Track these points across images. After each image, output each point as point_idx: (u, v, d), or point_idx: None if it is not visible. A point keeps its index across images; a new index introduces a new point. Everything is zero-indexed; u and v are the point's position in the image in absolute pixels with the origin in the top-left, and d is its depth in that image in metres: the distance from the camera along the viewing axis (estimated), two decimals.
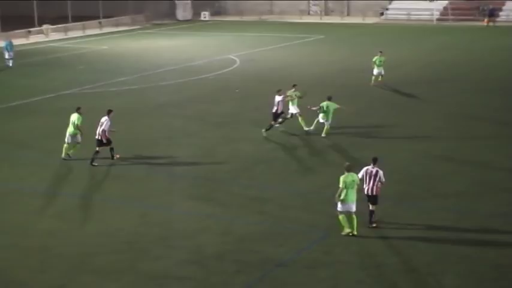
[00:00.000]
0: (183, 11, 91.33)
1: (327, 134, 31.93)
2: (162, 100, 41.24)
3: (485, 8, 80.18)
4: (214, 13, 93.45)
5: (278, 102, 32.19)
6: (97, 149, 28.84)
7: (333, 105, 31.91)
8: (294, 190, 25.33)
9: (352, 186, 21.09)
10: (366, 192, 21.79)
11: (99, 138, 28.73)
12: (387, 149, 29.43)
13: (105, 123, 28.61)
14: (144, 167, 28.76)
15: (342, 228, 21.33)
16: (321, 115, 32.03)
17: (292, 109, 32.95)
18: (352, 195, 21.11)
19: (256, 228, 22.15)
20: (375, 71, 43.69)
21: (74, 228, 22.44)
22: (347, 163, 22.01)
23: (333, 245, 20.80)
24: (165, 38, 73.46)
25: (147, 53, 61.69)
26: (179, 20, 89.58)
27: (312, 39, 69.60)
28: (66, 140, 29.40)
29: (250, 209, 23.82)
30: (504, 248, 20.36)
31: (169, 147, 31.26)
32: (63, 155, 29.58)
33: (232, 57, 57.35)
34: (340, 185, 21.09)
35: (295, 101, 32.90)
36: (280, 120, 32.70)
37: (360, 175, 21.68)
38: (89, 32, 78.52)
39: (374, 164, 21.83)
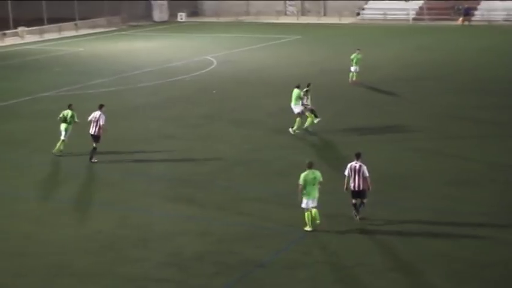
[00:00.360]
0: (159, 13, 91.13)
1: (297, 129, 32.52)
2: (140, 102, 41.17)
3: (461, 7, 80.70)
4: (190, 14, 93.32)
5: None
6: (94, 145, 29.11)
7: (296, 93, 32.43)
8: (272, 191, 25.38)
9: (313, 183, 21.33)
10: (352, 188, 22.01)
11: (95, 133, 28.94)
12: (367, 148, 29.37)
13: (100, 118, 28.90)
14: (122, 169, 28.69)
15: (304, 224, 21.60)
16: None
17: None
18: (314, 192, 21.35)
19: (235, 229, 22.18)
20: (352, 68, 44.20)
21: (52, 232, 22.35)
22: (308, 160, 22.12)
23: (312, 245, 20.88)
24: (141, 39, 73.27)
25: (124, 55, 61.53)
26: (155, 22, 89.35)
27: (289, 39, 69.71)
28: (62, 136, 29.86)
29: (229, 210, 23.84)
30: (482, 246, 20.51)
31: (148, 149, 31.20)
32: (55, 150, 29.95)
33: (210, 58, 57.32)
34: (300, 182, 21.35)
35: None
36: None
37: (345, 172, 22.03)
38: (64, 34, 78.16)
39: (357, 159, 22.08)
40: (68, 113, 29.83)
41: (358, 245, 20.76)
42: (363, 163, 22.07)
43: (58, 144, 29.96)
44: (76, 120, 29.84)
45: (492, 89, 42.28)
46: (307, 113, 32.76)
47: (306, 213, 21.55)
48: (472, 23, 78.21)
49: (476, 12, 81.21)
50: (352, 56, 44.34)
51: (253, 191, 25.53)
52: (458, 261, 19.54)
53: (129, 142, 32.07)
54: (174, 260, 20.11)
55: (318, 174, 21.52)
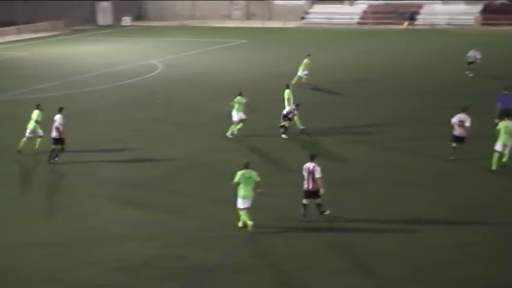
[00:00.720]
0: (103, 16, 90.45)
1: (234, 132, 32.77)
2: (87, 106, 40.77)
3: (407, 11, 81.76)
4: (135, 18, 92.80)
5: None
6: (53, 147, 29.32)
7: (241, 100, 32.67)
8: (219, 194, 25.34)
9: (248, 183, 21.59)
10: (305, 188, 22.29)
11: (55, 136, 29.21)
12: (315, 150, 29.59)
13: (57, 120, 29.30)
14: (69, 173, 28.43)
15: (238, 221, 21.92)
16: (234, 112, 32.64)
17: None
18: (248, 191, 21.59)
19: (183, 233, 22.10)
20: (299, 72, 44.57)
21: None
22: (245, 160, 22.37)
23: (259, 248, 20.95)
24: (86, 43, 72.58)
25: (68, 59, 60.85)
26: (100, 26, 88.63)
27: (235, 43, 69.77)
28: (26, 134, 30.37)
29: (177, 214, 23.76)
30: (429, 247, 20.77)
31: (94, 154, 30.92)
32: (20, 147, 30.36)
33: (155, 62, 57.06)
34: (235, 180, 21.64)
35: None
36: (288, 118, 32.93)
37: (303, 172, 22.36)
38: (7, 38, 76.96)
39: (312, 161, 22.40)
40: (35, 113, 30.28)
41: (305, 247, 20.86)
42: (318, 164, 22.32)
43: (21, 142, 30.37)
44: (39, 119, 30.25)
45: (436, 90, 42.92)
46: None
47: (241, 212, 21.85)
48: (416, 27, 79.30)
49: (419, 16, 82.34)
50: (304, 61, 44.98)
51: (200, 195, 25.48)
52: (406, 262, 19.77)
53: (76, 146, 31.64)
54: (121, 265, 19.96)
55: (254, 174, 21.79)
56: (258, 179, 21.80)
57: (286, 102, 34.39)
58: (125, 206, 24.65)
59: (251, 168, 22.00)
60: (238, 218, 22.01)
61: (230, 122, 32.91)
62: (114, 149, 31.58)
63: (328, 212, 22.47)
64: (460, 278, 18.92)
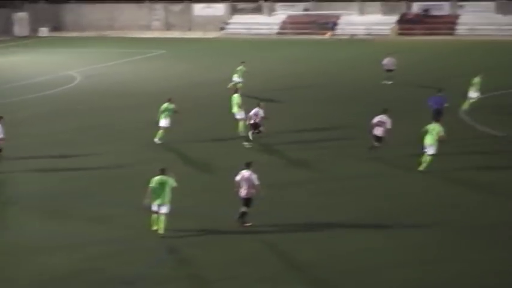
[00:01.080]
0: (19, 27, 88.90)
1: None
2: (5, 118, 39.73)
3: (328, 21, 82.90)
4: (53, 29, 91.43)
5: (257, 114, 32.31)
6: None
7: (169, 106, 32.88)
8: (140, 206, 25.02)
9: (164, 189, 21.87)
10: (242, 196, 22.44)
11: None
12: (240, 159, 29.64)
13: None
14: None
15: (151, 225, 22.10)
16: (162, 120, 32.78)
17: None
18: (164, 197, 21.85)
19: (106, 245, 21.80)
20: (235, 78, 45.01)
21: None
22: (161, 167, 22.47)
23: (181, 259, 20.82)
24: (1, 55, 71.09)
25: None
26: (16, 36, 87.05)
27: (155, 54, 69.44)
28: None
29: (99, 225, 23.42)
30: (350, 254, 20.94)
31: (15, 166, 30.19)
32: None
33: (73, 73, 56.24)
34: (150, 185, 21.92)
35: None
36: (257, 131, 32.61)
37: (237, 178, 22.48)
38: None
39: (248, 168, 22.59)
40: None
41: (227, 257, 20.79)
42: (254, 172, 22.50)
43: None
44: None
45: (354, 97, 43.64)
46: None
47: (153, 216, 22.09)
48: (334, 37, 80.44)
49: (337, 27, 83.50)
50: (239, 68, 45.44)
51: (122, 205, 25.18)
52: (328, 268, 19.90)
53: None
54: (43, 278, 19.55)
55: (169, 180, 22.01)
56: (174, 184, 22.02)
57: (235, 108, 34.11)
58: (47, 218, 24.19)
59: (169, 175, 22.10)
60: (154, 222, 22.11)
61: (156, 129, 32.74)
62: (36, 161, 30.97)
63: (250, 224, 22.50)
64: (384, 283, 19.12)
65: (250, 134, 32.66)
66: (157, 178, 22.00)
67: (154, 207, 22.05)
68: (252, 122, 32.38)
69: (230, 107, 34.59)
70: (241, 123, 33.65)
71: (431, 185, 27.02)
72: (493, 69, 42.12)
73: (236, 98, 34.45)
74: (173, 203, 21.97)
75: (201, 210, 23.57)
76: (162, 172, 22.18)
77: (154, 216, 22.12)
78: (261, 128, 32.58)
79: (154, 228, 22.09)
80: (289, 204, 25.04)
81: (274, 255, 20.90)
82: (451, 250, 21.10)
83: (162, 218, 21.89)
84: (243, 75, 45.33)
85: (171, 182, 21.99)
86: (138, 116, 39.08)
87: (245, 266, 20.18)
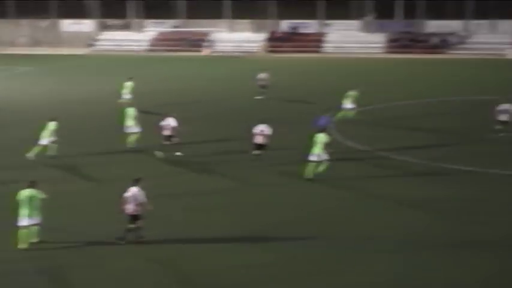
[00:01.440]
0: None
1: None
2: None
3: (202, 38, 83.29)
4: None
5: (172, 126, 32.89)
6: None
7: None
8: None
9: (32, 201, 21.73)
10: (127, 211, 22.13)
11: None
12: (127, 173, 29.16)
13: None
14: None
15: (18, 243, 21.73)
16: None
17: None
18: (32, 210, 21.68)
19: None
20: (124, 95, 44.84)
21: None
22: (30, 180, 22.28)
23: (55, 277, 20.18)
24: None
25: None
26: None
27: (20, 71, 67.40)
28: None
29: None
30: (225, 270, 20.87)
31: None
32: None
33: None
34: (17, 198, 21.81)
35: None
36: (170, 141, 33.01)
37: (126, 194, 22.11)
38: None
39: (136, 184, 22.32)
40: None
41: (98, 276, 20.38)
42: (142, 188, 22.27)
43: None
44: None
45: (228, 113, 44.12)
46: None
47: (21, 231, 21.70)
48: (212, 54, 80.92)
49: (204, 44, 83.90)
50: (127, 84, 45.24)
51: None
52: (206, 286, 19.76)
53: None
54: None
55: (36, 193, 21.83)
56: (42, 196, 21.95)
57: (130, 121, 34.59)
58: None
59: (37, 188, 21.97)
60: (21, 238, 21.66)
61: (30, 146, 32.07)
62: None
63: (144, 238, 22.33)
64: None
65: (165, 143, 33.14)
66: (24, 191, 21.84)
67: (23, 222, 21.64)
68: (166, 133, 32.96)
69: (120, 121, 34.59)
70: (132, 136, 34.16)
71: (314, 195, 27.47)
72: (356, 85, 43.34)
73: (131, 111, 34.96)
74: (53, 219, 21.38)
75: (79, 227, 22.89)
76: (30, 185, 21.98)
77: (22, 231, 21.69)
78: (174, 139, 33.05)
79: (22, 246, 21.60)
80: (165, 219, 24.66)
81: (150, 271, 20.56)
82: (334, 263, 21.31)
83: (34, 228, 21.74)
84: (132, 91, 45.03)
85: (39, 194, 21.86)
86: (7, 134, 37.82)
87: (121, 285, 19.83)
